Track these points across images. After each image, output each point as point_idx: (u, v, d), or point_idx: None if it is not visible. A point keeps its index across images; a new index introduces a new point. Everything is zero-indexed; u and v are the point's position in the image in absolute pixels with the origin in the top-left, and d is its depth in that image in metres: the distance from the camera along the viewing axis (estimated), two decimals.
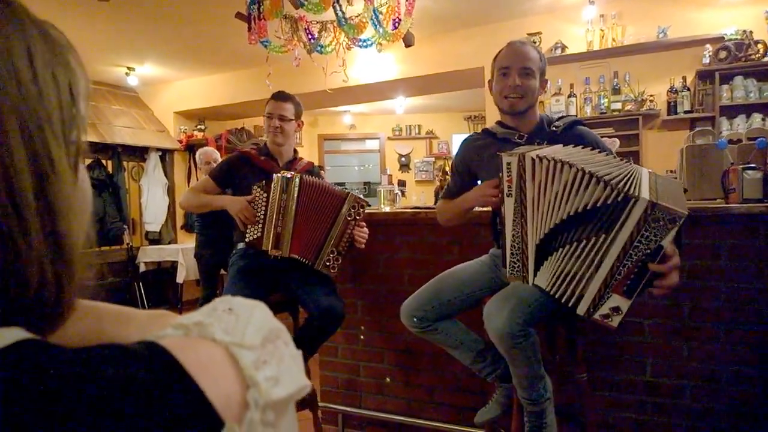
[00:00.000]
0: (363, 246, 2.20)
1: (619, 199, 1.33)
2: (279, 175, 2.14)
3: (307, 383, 0.41)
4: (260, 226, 2.14)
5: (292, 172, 2.18)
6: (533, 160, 1.47)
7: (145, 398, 0.30)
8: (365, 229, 2.20)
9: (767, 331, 1.91)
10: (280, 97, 2.37)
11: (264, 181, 2.15)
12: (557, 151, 1.51)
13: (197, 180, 5.57)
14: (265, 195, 2.14)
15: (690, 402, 2.01)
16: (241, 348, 0.38)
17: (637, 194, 1.31)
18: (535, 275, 1.52)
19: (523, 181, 1.50)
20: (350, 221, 2.12)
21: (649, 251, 1.33)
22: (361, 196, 2.19)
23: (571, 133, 1.79)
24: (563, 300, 1.47)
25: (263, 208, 2.14)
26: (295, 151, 2.49)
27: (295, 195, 2.12)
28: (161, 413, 0.30)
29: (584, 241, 1.41)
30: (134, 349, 0.33)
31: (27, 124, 0.34)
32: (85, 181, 0.43)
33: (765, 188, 1.90)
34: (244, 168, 2.33)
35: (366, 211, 2.20)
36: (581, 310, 1.43)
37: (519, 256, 1.55)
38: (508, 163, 1.52)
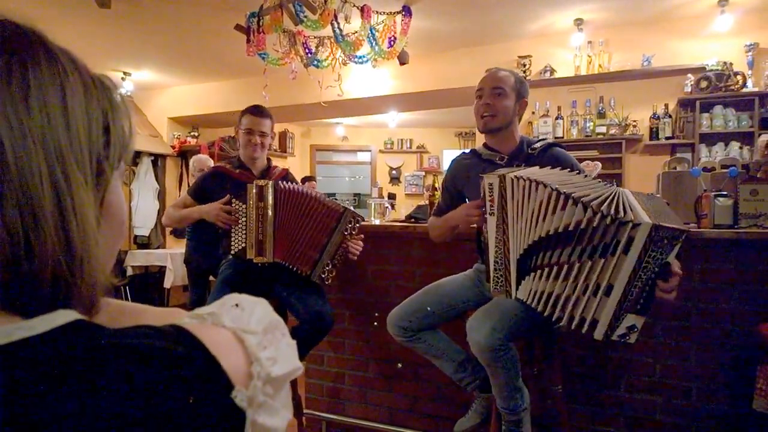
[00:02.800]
0: (356, 258, 2.22)
1: (608, 222, 1.33)
2: (253, 184, 2.17)
3: (299, 366, 0.49)
4: (243, 236, 2.17)
5: (266, 180, 2.21)
6: (512, 180, 1.54)
7: (177, 364, 0.38)
8: (360, 243, 2.22)
9: (735, 349, 2.00)
10: (260, 113, 2.38)
11: (241, 193, 2.18)
12: (536, 172, 1.57)
13: (189, 186, 5.59)
14: (243, 206, 2.17)
15: (662, 417, 2.09)
16: (246, 333, 0.45)
17: (632, 218, 1.31)
18: (517, 289, 1.58)
19: (504, 201, 1.56)
20: (347, 236, 2.15)
21: (657, 269, 1.37)
22: (355, 210, 2.21)
23: (547, 154, 1.88)
24: (572, 326, 1.46)
25: (243, 218, 2.17)
26: (269, 159, 2.51)
27: (271, 201, 2.15)
28: (188, 374, 0.38)
29: (577, 264, 1.41)
30: (165, 329, 0.41)
31: (51, 150, 0.40)
32: (114, 204, 0.49)
33: (735, 215, 2.00)
34: (220, 183, 2.36)
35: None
36: (598, 334, 1.42)
37: (502, 272, 1.61)
38: (491, 184, 1.59)
